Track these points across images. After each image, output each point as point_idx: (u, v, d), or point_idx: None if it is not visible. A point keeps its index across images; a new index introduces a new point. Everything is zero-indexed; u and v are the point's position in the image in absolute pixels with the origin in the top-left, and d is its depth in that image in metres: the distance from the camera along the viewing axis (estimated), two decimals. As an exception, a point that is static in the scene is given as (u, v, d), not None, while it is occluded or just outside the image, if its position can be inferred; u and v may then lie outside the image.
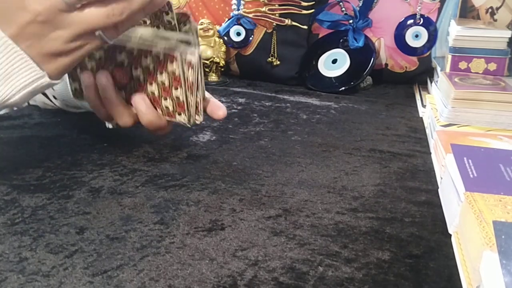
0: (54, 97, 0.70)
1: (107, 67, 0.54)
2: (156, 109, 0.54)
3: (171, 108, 0.54)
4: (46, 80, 0.45)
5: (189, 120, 0.54)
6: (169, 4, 0.49)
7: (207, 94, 0.57)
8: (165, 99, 0.53)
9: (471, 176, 0.45)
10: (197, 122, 0.54)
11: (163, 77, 0.52)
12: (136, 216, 0.45)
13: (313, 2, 0.98)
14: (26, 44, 0.44)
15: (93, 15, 0.43)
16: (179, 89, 0.52)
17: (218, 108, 0.57)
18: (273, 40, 1.00)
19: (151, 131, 0.56)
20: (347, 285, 0.36)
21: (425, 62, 0.98)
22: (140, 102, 0.54)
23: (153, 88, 0.53)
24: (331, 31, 1.00)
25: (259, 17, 1.00)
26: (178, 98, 0.52)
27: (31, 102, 0.74)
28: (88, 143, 0.62)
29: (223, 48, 1.00)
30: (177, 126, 0.70)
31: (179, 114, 0.54)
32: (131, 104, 0.54)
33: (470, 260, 0.36)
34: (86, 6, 0.43)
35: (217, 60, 0.99)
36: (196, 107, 0.53)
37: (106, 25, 0.44)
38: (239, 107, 0.82)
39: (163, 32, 0.50)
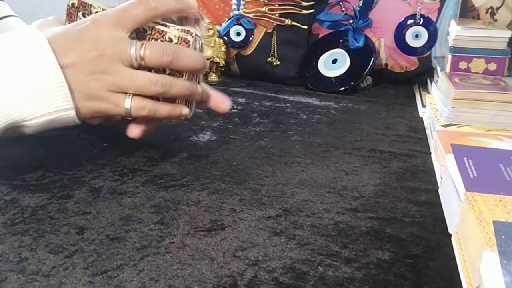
0: None
1: None
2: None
3: None
4: (72, 113, 0.48)
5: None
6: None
7: (208, 87, 0.58)
8: None
9: (471, 176, 0.45)
10: (188, 117, 0.55)
11: None
12: (136, 216, 0.45)
13: (313, 2, 0.98)
14: (73, 73, 0.47)
15: (140, 77, 0.49)
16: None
17: (222, 102, 0.57)
18: (273, 40, 1.00)
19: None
20: (347, 285, 0.36)
21: (425, 62, 0.98)
22: None
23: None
24: (331, 31, 1.00)
25: (259, 17, 1.00)
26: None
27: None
28: (88, 143, 0.62)
29: (223, 48, 1.00)
30: (178, 127, 0.70)
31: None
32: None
33: (470, 260, 0.36)
34: (140, 68, 0.49)
35: (217, 60, 0.99)
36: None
37: (143, 91, 0.49)
38: (239, 107, 0.82)
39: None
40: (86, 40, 0.47)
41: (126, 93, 0.49)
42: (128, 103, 0.49)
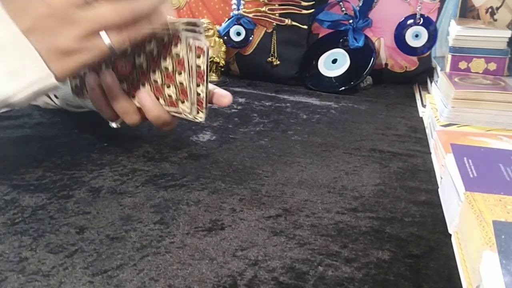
0: (56, 96, 0.70)
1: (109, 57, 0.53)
2: (158, 100, 0.54)
3: (174, 96, 0.54)
4: (52, 81, 0.45)
5: (191, 110, 0.54)
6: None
7: (211, 86, 0.57)
8: (168, 86, 0.53)
9: (471, 176, 0.45)
10: (200, 119, 0.54)
11: (167, 62, 0.52)
12: (136, 216, 0.45)
13: (313, 2, 0.98)
14: (37, 37, 0.44)
15: (104, 11, 0.45)
16: (182, 74, 0.51)
17: (224, 96, 0.56)
18: (273, 40, 1.00)
19: (158, 127, 0.56)
20: (347, 285, 0.36)
21: (425, 62, 0.98)
22: (145, 97, 0.54)
23: (156, 76, 0.53)
24: (331, 31, 1.00)
25: (259, 17, 1.00)
26: (181, 84, 0.52)
27: (32, 102, 0.74)
28: (88, 143, 0.62)
29: (223, 48, 1.00)
30: (178, 126, 0.70)
31: (182, 102, 0.54)
32: (133, 97, 0.55)
33: (470, 260, 0.36)
34: (99, 3, 0.45)
35: (217, 60, 0.99)
36: (200, 101, 0.53)
37: (114, 23, 0.45)
38: (239, 107, 0.82)
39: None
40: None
41: (97, 33, 0.45)
42: (108, 41, 0.46)
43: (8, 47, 0.44)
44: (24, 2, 0.44)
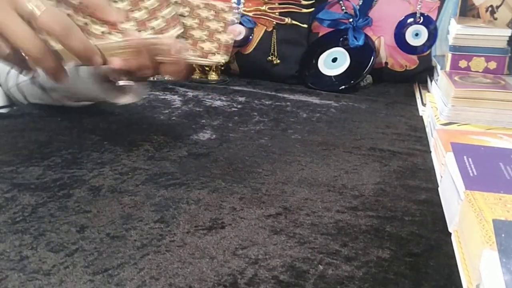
0: (52, 90, 0.70)
1: None
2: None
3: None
4: None
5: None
6: None
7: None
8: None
9: (471, 174, 0.45)
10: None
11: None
12: (136, 214, 0.45)
13: (313, 1, 0.98)
14: None
15: (25, 28, 0.47)
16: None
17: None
18: (273, 39, 1.00)
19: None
20: (347, 283, 0.36)
21: (425, 60, 0.98)
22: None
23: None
24: (331, 29, 1.00)
25: (259, 16, 1.00)
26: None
27: (31, 100, 0.74)
28: (88, 142, 0.63)
29: (223, 47, 1.00)
30: (178, 125, 0.70)
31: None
32: None
33: (470, 259, 0.36)
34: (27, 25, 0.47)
35: (217, 58, 0.98)
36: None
37: (22, 45, 0.47)
38: (239, 106, 0.82)
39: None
40: None
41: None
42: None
43: None
44: None
